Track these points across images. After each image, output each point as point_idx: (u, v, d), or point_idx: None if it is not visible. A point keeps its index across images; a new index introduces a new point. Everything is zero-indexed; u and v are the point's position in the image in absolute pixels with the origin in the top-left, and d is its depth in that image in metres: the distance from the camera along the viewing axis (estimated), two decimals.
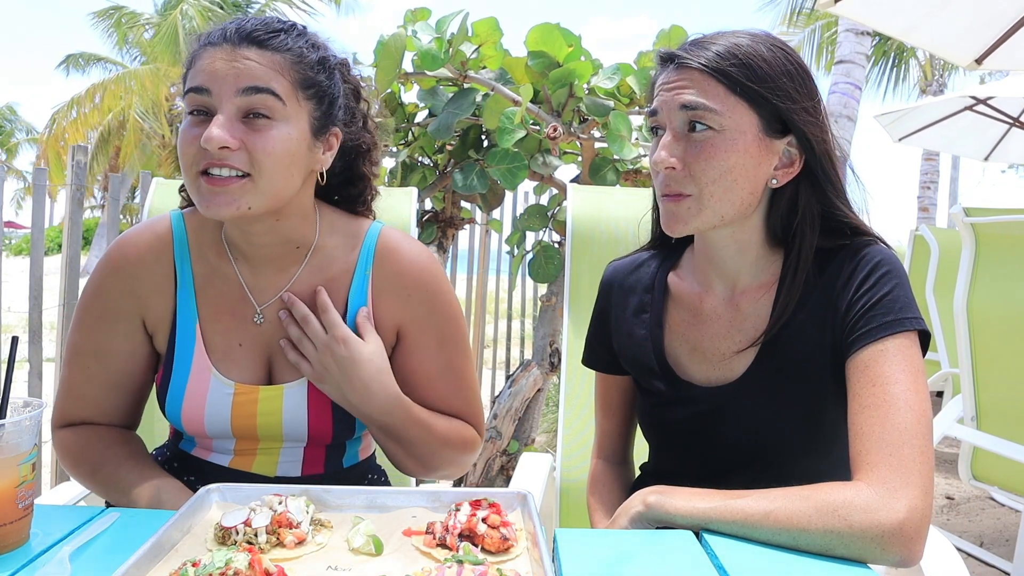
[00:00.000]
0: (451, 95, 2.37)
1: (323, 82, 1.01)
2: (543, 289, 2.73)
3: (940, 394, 3.96)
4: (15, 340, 0.89)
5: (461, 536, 0.76)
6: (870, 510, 0.78)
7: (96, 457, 1.06)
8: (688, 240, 1.11)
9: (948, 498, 3.42)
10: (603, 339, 1.17)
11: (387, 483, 1.25)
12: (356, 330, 1.06)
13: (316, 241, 1.09)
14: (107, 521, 0.82)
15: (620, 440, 1.23)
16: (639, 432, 1.19)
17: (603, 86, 2.31)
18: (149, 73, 15.99)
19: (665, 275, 1.12)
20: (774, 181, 0.97)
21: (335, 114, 1.04)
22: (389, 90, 2.36)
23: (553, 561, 0.73)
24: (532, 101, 2.27)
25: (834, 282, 0.96)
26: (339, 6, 18.17)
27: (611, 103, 2.34)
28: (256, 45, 0.96)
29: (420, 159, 2.56)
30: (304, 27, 1.04)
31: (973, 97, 5.74)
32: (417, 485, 1.44)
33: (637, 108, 2.43)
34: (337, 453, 1.14)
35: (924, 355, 0.91)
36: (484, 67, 2.41)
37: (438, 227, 2.72)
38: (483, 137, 2.51)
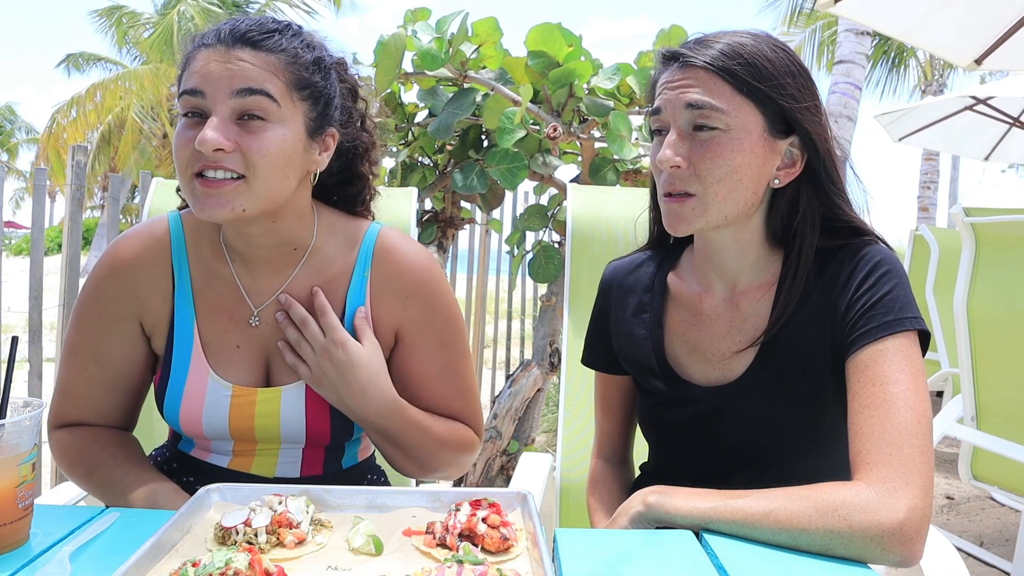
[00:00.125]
0: (451, 95, 2.37)
1: (318, 82, 1.01)
2: (543, 289, 2.73)
3: (940, 394, 3.96)
4: (15, 340, 0.89)
5: (461, 536, 0.76)
6: (870, 510, 0.78)
7: (92, 458, 1.05)
8: (687, 240, 1.11)
9: (948, 498, 3.42)
10: (603, 339, 1.17)
11: (387, 483, 1.25)
12: (353, 332, 1.06)
13: (314, 242, 1.09)
14: (107, 521, 0.82)
15: (620, 440, 1.23)
16: (639, 432, 1.19)
17: (603, 86, 2.31)
18: (149, 73, 15.98)
19: (665, 275, 1.12)
20: (776, 181, 0.97)
21: (331, 114, 1.04)
22: (389, 90, 2.36)
23: (553, 561, 0.73)
24: (532, 101, 2.27)
25: (834, 282, 0.96)
26: (339, 8, 18.16)
27: (611, 103, 2.34)
28: (250, 46, 0.95)
29: (420, 159, 2.57)
30: (300, 27, 1.03)
31: (973, 97, 5.74)
32: (417, 485, 1.44)
33: (637, 108, 2.43)
34: (336, 454, 1.14)
35: (924, 355, 0.91)
36: (484, 67, 2.41)
37: (438, 227, 2.72)
38: (483, 137, 2.51)
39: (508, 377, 2.70)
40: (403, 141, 2.54)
